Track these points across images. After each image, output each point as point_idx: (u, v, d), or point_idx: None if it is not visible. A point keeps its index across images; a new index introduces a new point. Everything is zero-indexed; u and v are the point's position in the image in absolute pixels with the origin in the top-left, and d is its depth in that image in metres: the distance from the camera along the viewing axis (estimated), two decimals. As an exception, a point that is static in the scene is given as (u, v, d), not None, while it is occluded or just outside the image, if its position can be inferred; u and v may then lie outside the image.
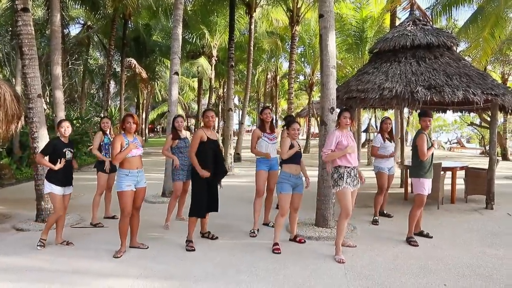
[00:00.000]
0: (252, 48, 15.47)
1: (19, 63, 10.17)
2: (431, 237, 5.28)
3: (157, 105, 38.93)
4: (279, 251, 4.68)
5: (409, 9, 8.86)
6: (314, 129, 37.53)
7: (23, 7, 5.97)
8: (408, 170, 7.65)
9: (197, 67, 22.45)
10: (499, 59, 18.23)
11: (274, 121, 6.66)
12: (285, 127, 5.37)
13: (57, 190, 4.78)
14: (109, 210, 6.38)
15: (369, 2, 17.48)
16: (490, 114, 8.00)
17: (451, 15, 12.81)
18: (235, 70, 19.92)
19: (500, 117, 12.59)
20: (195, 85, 29.61)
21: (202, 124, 5.05)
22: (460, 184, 7.99)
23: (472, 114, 10.28)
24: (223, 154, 6.78)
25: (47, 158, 4.84)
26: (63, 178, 4.82)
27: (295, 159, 4.82)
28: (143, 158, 4.85)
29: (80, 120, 16.69)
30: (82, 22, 22.42)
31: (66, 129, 4.92)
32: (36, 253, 4.67)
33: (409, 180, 6.18)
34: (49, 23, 10.15)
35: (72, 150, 5.00)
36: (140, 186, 4.66)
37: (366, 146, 18.39)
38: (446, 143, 32.51)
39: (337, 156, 4.47)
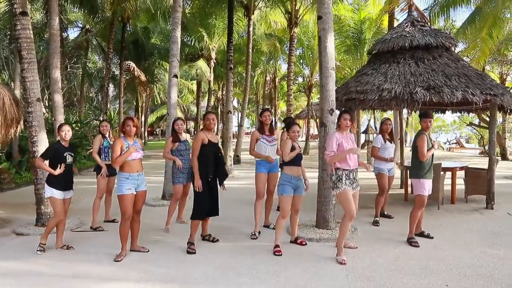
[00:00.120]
0: (250, 50, 15.49)
1: (18, 67, 10.19)
2: (432, 238, 5.28)
3: (156, 108, 38.94)
4: (280, 253, 4.67)
5: (407, 10, 8.89)
6: (313, 130, 37.58)
7: (22, 10, 5.97)
8: (408, 171, 7.65)
9: (196, 69, 22.47)
10: (497, 59, 18.29)
11: (273, 123, 6.66)
12: (285, 129, 5.38)
13: (57, 194, 4.77)
14: (109, 213, 6.36)
15: (367, 4, 17.55)
16: (489, 114, 8.02)
17: (449, 16, 12.87)
18: (234, 72, 19.91)
19: (499, 117, 12.60)
20: (194, 87, 29.62)
21: (201, 126, 5.05)
22: (460, 184, 8.00)
23: (471, 114, 10.30)
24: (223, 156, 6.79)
25: (47, 162, 4.82)
26: (63, 182, 4.81)
27: (296, 161, 4.82)
28: (143, 161, 4.85)
29: (79, 124, 16.67)
30: (81, 26, 22.42)
31: (67, 133, 4.92)
32: (36, 258, 4.66)
33: (409, 181, 6.18)
34: (47, 27, 10.15)
35: (72, 154, 4.99)
36: (141, 190, 4.65)
37: (366, 147, 18.40)
38: (445, 143, 32.53)
39: (341, 157, 4.44)
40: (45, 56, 16.35)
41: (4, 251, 4.94)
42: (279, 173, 5.22)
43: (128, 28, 19.99)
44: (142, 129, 31.38)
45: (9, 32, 16.02)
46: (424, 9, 13.18)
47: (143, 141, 28.51)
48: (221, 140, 17.97)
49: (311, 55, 21.63)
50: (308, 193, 5.22)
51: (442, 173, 7.16)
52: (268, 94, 34.33)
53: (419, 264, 4.37)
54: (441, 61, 7.17)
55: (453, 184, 7.73)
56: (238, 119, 23.87)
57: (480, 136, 24.74)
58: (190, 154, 5.44)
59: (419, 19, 8.58)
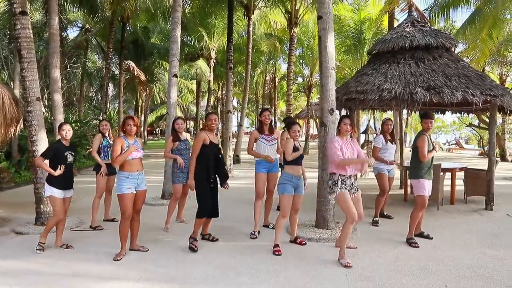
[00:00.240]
0: (250, 50, 15.48)
1: (18, 66, 10.17)
2: (431, 238, 5.28)
3: (155, 108, 38.92)
4: (280, 253, 4.67)
5: (407, 11, 8.90)
6: (313, 130, 37.57)
7: (22, 10, 5.96)
8: (407, 171, 7.65)
9: (196, 69, 22.47)
10: (497, 60, 18.29)
11: (272, 123, 6.65)
12: (285, 129, 5.38)
13: (57, 193, 4.77)
14: (108, 213, 6.36)
15: (367, 4, 17.55)
16: (488, 115, 8.01)
17: (449, 16, 12.86)
18: (234, 72, 19.90)
19: (498, 118, 12.61)
20: (194, 87, 29.62)
21: (201, 126, 5.04)
22: (460, 185, 8.00)
23: (470, 115, 10.30)
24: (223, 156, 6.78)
25: (47, 161, 4.81)
26: (63, 181, 4.80)
27: (298, 160, 4.83)
28: (142, 160, 4.84)
29: (78, 123, 16.66)
30: (80, 25, 22.40)
31: (68, 132, 4.90)
32: (36, 257, 4.65)
33: (409, 181, 6.18)
34: (47, 26, 10.14)
35: (73, 154, 4.99)
36: (141, 189, 4.64)
37: (365, 147, 18.39)
38: (444, 144, 32.56)
39: (351, 163, 4.38)
40: (45, 56, 16.31)
41: (3, 250, 4.93)
42: (279, 173, 5.22)
43: (128, 28, 19.97)
44: (142, 128, 31.36)
45: (8, 32, 16.00)
46: (424, 10, 13.19)
47: (143, 140, 28.49)
48: (220, 139, 17.97)
49: (311, 55, 21.64)
50: (307, 193, 5.21)
51: (441, 173, 7.16)
52: (267, 94, 34.33)
53: (418, 264, 4.38)
54: (441, 62, 7.18)
55: (452, 185, 7.73)
56: (237, 119, 23.83)
57: (479, 137, 24.77)
58: (190, 154, 5.43)
59: (419, 20, 8.59)
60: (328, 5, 5.75)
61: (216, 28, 18.95)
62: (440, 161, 8.31)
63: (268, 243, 4.98)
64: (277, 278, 4.00)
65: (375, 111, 14.91)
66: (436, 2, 12.72)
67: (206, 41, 19.57)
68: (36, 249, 4.77)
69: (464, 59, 10.22)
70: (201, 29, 18.68)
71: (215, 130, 5.10)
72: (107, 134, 6.14)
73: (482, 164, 10.98)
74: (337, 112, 5.79)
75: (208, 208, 4.77)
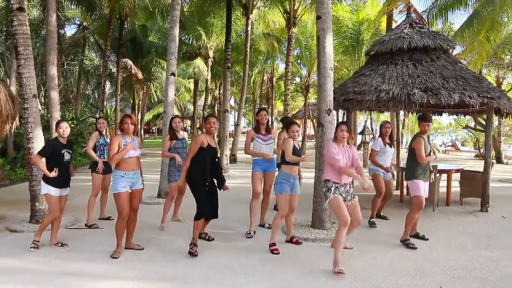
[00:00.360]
0: (248, 49, 15.47)
1: (14, 63, 10.13)
2: (427, 239, 5.29)
3: (152, 106, 38.82)
4: (278, 251, 4.67)
5: (406, 12, 8.91)
6: (310, 131, 37.61)
7: (19, 6, 5.92)
8: (403, 172, 7.67)
9: (193, 68, 22.42)
10: (494, 63, 18.36)
11: (270, 123, 6.64)
12: (283, 129, 5.37)
13: (54, 191, 4.73)
14: (104, 211, 6.33)
15: (365, 5, 17.59)
16: (485, 118, 8.04)
17: (447, 18, 12.89)
18: (232, 71, 19.89)
19: (495, 121, 12.68)
20: (191, 86, 29.56)
21: (198, 125, 5.02)
22: (456, 186, 8.02)
23: (467, 117, 10.34)
24: (220, 155, 6.77)
25: (44, 160, 4.77)
26: (60, 179, 4.76)
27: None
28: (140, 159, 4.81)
29: (75, 121, 16.59)
30: (78, 23, 22.30)
31: (65, 129, 4.86)
32: (30, 255, 4.63)
33: (405, 183, 6.19)
34: (44, 23, 10.08)
35: (70, 152, 4.94)
36: (137, 188, 4.62)
37: (362, 148, 18.43)
38: (441, 145, 32.68)
39: (350, 176, 4.29)
40: (42, 53, 16.26)
41: (-3, 247, 4.90)
42: (276, 173, 5.21)
43: (126, 26, 19.88)
44: (139, 126, 31.27)
45: (5, 28, 15.91)
46: (423, 11, 13.22)
47: (140, 139, 28.38)
48: (217, 139, 17.94)
49: (309, 55, 21.64)
50: (304, 193, 5.22)
51: (437, 175, 7.18)
52: (265, 93, 34.30)
53: (414, 265, 4.38)
54: (439, 63, 7.20)
55: (448, 186, 7.75)
56: (235, 118, 23.84)
57: (475, 139, 24.88)
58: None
59: (417, 21, 8.60)
60: (327, 6, 5.75)
61: (214, 27, 18.92)
62: (436, 162, 8.34)
63: (264, 243, 4.97)
64: (272, 278, 4.00)
65: (372, 112, 14.93)
66: (435, 4, 12.75)
67: (204, 40, 19.54)
68: (31, 247, 4.75)
69: (462, 61, 10.25)
70: (200, 28, 18.65)
71: (214, 133, 5.05)
72: (104, 132, 6.11)
73: (477, 166, 11.03)
74: (334, 112, 5.78)
75: (206, 209, 4.68)
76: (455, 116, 10.57)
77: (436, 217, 6.72)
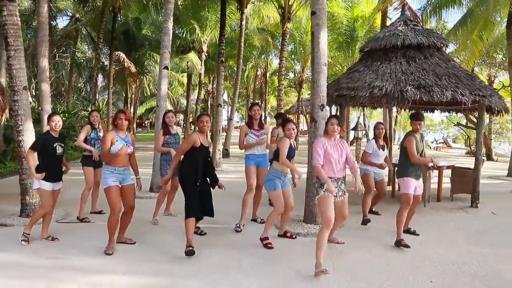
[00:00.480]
0: (242, 44, 15.40)
1: (4, 54, 9.95)
2: (418, 235, 5.34)
3: (145, 100, 38.55)
4: (272, 245, 4.65)
5: (400, 10, 8.93)
6: (303, 126, 37.68)
7: (9, -4, 5.82)
8: (395, 168, 7.72)
9: (187, 62, 22.28)
10: (486, 61, 18.53)
11: (263, 118, 6.62)
12: (277, 126, 5.33)
13: (46, 186, 4.67)
14: (96, 205, 6.29)
15: (360, 2, 17.62)
16: (476, 115, 8.11)
17: (441, 16, 12.97)
18: (225, 66, 19.79)
19: (486, 118, 12.79)
20: (185, 80, 29.37)
21: (191, 119, 4.98)
22: (447, 183, 8.10)
23: (458, 114, 10.42)
24: (213, 150, 6.73)
25: (35, 155, 4.70)
26: (53, 173, 4.71)
27: (289, 158, 4.71)
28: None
29: (66, 114, 16.41)
30: (70, 15, 22.00)
31: (57, 123, 4.79)
32: (21, 249, 4.58)
33: (397, 179, 6.22)
34: (36, 15, 9.95)
35: (62, 145, 4.87)
36: (127, 184, 4.55)
37: (354, 144, 18.51)
38: (432, 142, 32.97)
39: (322, 176, 4.12)
40: (33, 45, 16.01)
41: (-13, 241, 4.84)
42: (269, 167, 5.20)
43: (119, 18, 19.65)
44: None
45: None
46: (417, 9, 13.29)
47: (132, 132, 28.20)
48: (210, 133, 17.89)
49: (302, 51, 21.63)
50: (296, 188, 5.23)
51: (431, 171, 7.23)
52: (258, 88, 34.24)
53: (404, 260, 4.42)
54: (432, 61, 7.24)
55: (439, 182, 7.83)
56: (228, 113, 23.78)
57: (466, 137, 25.11)
58: None
59: (412, 19, 8.63)
60: (322, 1, 5.74)
61: (208, 21, 18.78)
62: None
63: (255, 237, 4.96)
64: (264, 272, 4.01)
65: (365, 108, 14.99)
66: (429, 2, 12.81)
67: (198, 34, 19.41)
68: (21, 240, 4.69)
69: (455, 59, 10.32)
70: (194, 21, 18.51)
71: (207, 132, 4.99)
72: (97, 126, 6.06)
73: (468, 162, 11.14)
74: (327, 108, 5.77)
75: (194, 209, 4.50)
76: (447, 114, 10.65)
77: (427, 212, 6.78)
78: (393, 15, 15.38)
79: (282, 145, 4.67)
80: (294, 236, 5.14)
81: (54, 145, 4.74)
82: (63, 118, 15.09)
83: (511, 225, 6.12)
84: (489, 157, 18.27)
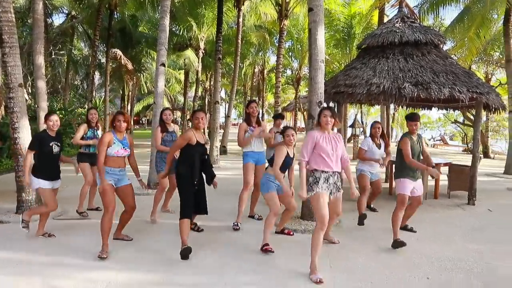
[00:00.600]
0: (240, 41, 15.38)
1: None
2: (415, 232, 5.36)
3: (142, 97, 38.38)
4: (272, 250, 4.46)
5: (398, 7, 8.94)
6: (300, 123, 37.70)
7: (3, -8, 5.77)
8: (392, 165, 7.72)
9: (184, 59, 22.23)
10: (483, 59, 18.57)
11: (260, 115, 6.59)
12: (275, 127, 5.26)
13: (45, 184, 4.63)
14: (92, 202, 6.28)
15: (357, -1, 17.57)
16: (473, 113, 8.12)
17: (438, 13, 13.00)
18: (222, 63, 19.78)
19: (483, 116, 12.83)
20: (182, 77, 29.32)
21: (188, 116, 4.95)
22: (444, 180, 8.11)
23: (456, 112, 10.46)
24: (210, 146, 6.70)
25: (32, 155, 4.67)
26: (50, 172, 4.68)
27: (284, 167, 4.56)
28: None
29: (63, 111, 16.34)
30: (66, 12, 21.89)
31: (55, 123, 4.72)
32: (17, 246, 4.56)
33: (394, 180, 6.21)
34: (31, 12, 9.87)
35: (59, 144, 4.82)
36: (123, 184, 4.47)
37: (352, 141, 18.54)
38: (430, 139, 33.06)
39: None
40: (29, 42, 15.92)
41: (-17, 238, 4.82)
42: (266, 164, 5.19)
43: (116, 16, 19.60)
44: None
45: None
46: (414, 6, 13.31)
47: (129, 130, 28.11)
48: (208, 130, 17.87)
49: (300, 48, 21.63)
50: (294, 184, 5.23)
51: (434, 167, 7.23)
52: (256, 85, 34.24)
53: (401, 257, 4.43)
54: (430, 58, 7.24)
55: (436, 179, 7.84)
56: (225, 110, 23.75)
57: (464, 134, 25.20)
58: None
59: (409, 16, 8.63)
60: (319, -3, 5.72)
61: (205, 19, 18.75)
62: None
63: (252, 234, 4.97)
64: (261, 269, 4.00)
65: (363, 105, 15.01)
66: (426, -1, 12.82)
67: (195, 31, 19.36)
68: (22, 227, 4.66)
69: (452, 56, 10.33)
70: (191, 19, 18.45)
71: (203, 129, 4.90)
72: (95, 124, 6.04)
73: (465, 160, 11.19)
74: (325, 105, 5.76)
75: (189, 210, 4.42)
76: (444, 111, 10.71)
77: (424, 210, 6.79)
78: (390, 12, 15.37)
79: (277, 153, 4.47)
80: (291, 233, 5.14)
81: (51, 144, 4.69)
82: (60, 115, 15.10)
83: (507, 222, 6.14)
84: (486, 155, 18.33)
